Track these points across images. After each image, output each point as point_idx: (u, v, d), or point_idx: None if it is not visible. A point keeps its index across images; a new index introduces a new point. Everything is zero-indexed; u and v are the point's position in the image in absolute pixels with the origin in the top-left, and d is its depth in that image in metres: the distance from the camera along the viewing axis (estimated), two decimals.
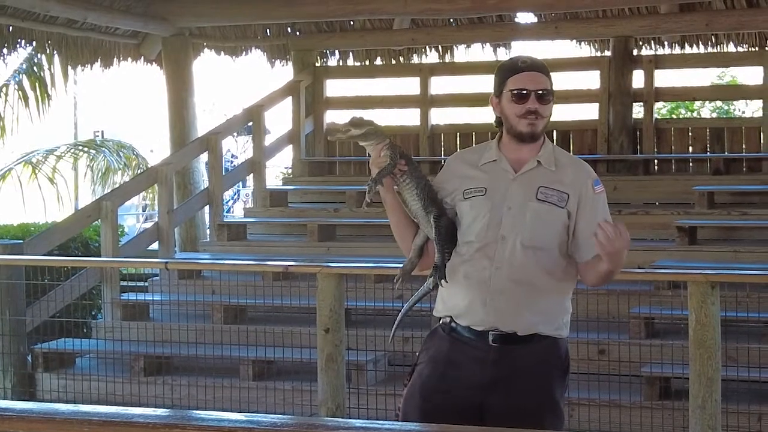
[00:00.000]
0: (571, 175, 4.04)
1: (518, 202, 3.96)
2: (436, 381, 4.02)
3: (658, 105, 12.64)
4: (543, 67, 4.06)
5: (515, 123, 3.99)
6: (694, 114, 20.67)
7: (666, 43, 12.02)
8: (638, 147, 11.64)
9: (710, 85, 15.82)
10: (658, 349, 7.81)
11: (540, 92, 4.00)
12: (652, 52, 11.99)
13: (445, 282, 3.96)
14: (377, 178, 3.93)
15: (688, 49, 12.03)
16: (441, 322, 4.10)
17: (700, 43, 11.93)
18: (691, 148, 11.79)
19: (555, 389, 4.05)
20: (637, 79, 11.62)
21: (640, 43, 11.98)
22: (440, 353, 4.05)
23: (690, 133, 11.90)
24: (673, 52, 12.08)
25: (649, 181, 11.11)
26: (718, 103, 19.95)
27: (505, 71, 4.05)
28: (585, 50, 12.30)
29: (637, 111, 11.96)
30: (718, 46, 11.92)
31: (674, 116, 19.62)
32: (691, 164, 11.66)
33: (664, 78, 11.97)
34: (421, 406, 4.01)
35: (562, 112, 12.43)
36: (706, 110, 20.99)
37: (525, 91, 3.98)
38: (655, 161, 11.62)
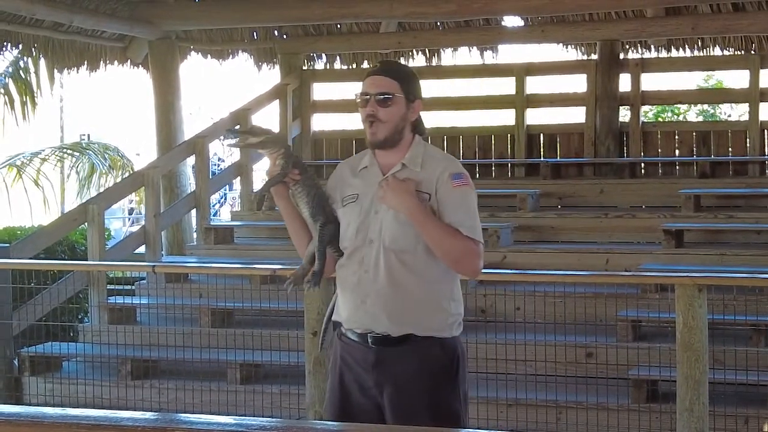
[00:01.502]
0: (430, 174, 4.05)
1: (384, 206, 4.01)
2: (338, 386, 4.13)
3: (644, 108, 12.66)
4: (394, 71, 4.11)
5: (365, 129, 4.07)
6: (680, 117, 20.74)
7: (652, 46, 12.04)
8: (625, 150, 11.67)
9: (696, 89, 15.86)
10: (646, 352, 7.82)
11: (380, 96, 4.02)
12: (638, 56, 12.02)
13: (317, 288, 4.14)
14: (264, 186, 4.14)
15: (674, 53, 12.06)
16: (337, 329, 4.21)
17: (686, 46, 11.96)
18: (677, 152, 11.82)
19: (441, 390, 4.04)
20: (624, 82, 11.64)
21: (627, 46, 12.00)
22: (336, 359, 4.17)
23: (676, 137, 11.93)
24: (660, 55, 12.10)
25: (635, 185, 11.13)
26: (704, 106, 20.02)
27: (364, 77, 4.15)
28: (572, 54, 12.31)
29: (624, 114, 11.99)
30: (705, 50, 11.95)
31: (660, 119, 19.68)
32: (677, 167, 11.69)
33: (651, 81, 12.00)
34: (334, 413, 4.11)
35: (548, 116, 12.47)
36: (692, 114, 21.07)
37: (366, 96, 4.05)
38: (642, 164, 11.65)
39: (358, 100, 4.07)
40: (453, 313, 4.08)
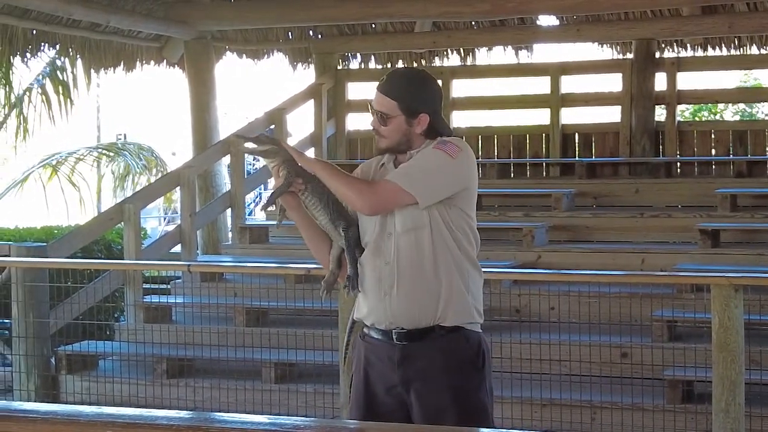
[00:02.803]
0: None
1: None
2: (363, 388, 4.14)
3: (680, 107, 12.58)
4: (395, 90, 4.09)
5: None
6: (717, 117, 20.61)
7: (688, 45, 11.98)
8: (660, 150, 11.61)
9: (733, 88, 15.74)
10: (681, 353, 7.78)
11: (378, 113, 4.10)
12: (674, 55, 11.95)
13: (358, 291, 4.12)
14: (270, 198, 4.21)
15: (710, 52, 11.98)
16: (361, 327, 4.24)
17: (722, 45, 11.88)
18: (713, 151, 11.74)
19: (468, 384, 4.05)
20: (660, 81, 11.58)
21: (663, 45, 11.94)
22: (360, 359, 4.18)
23: (713, 136, 11.85)
24: (696, 54, 12.04)
25: (671, 184, 11.07)
26: (742, 105, 19.89)
27: None
28: (607, 53, 12.26)
29: (660, 114, 11.93)
30: (741, 49, 11.87)
31: (697, 119, 19.56)
32: (713, 167, 11.61)
33: (687, 80, 11.93)
34: (359, 416, 4.11)
35: (583, 115, 12.43)
36: (729, 113, 20.93)
37: (370, 109, 4.14)
38: (678, 164, 11.57)
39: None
40: (473, 304, 4.09)
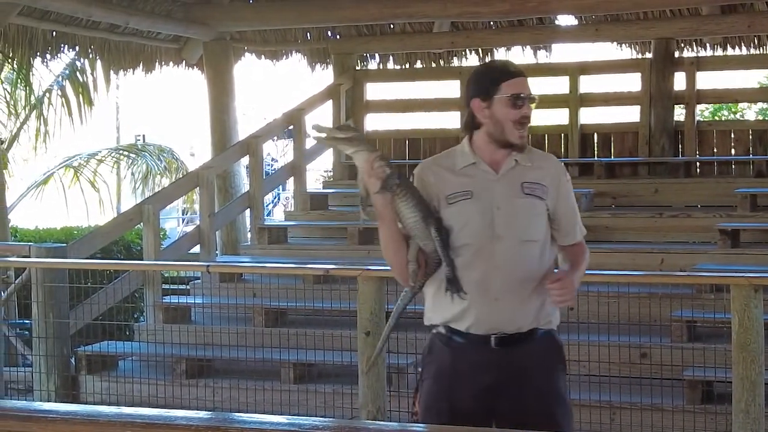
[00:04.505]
0: (546, 169, 4.11)
1: (506, 200, 3.99)
2: (447, 393, 4.01)
3: (700, 107, 12.54)
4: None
5: (508, 131, 4.00)
6: (738, 116, 20.53)
7: (708, 44, 11.94)
8: (680, 149, 11.57)
9: (753, 87, 15.68)
10: (701, 353, 7.75)
11: (532, 97, 4.07)
12: (693, 54, 11.92)
13: (466, 294, 3.93)
14: (386, 186, 3.82)
15: (730, 51, 11.95)
16: (435, 332, 4.09)
17: (742, 44, 11.85)
18: (733, 151, 11.70)
19: (560, 385, 4.06)
20: (679, 81, 11.54)
21: (682, 44, 11.91)
22: (443, 365, 4.04)
23: (732, 135, 11.80)
24: (715, 53, 12.00)
25: (690, 184, 11.04)
26: (764, 105, 19.81)
27: (498, 74, 4.06)
28: (626, 52, 12.24)
29: (679, 113, 11.89)
30: (761, 48, 11.83)
31: (716, 118, 19.49)
32: (733, 167, 11.57)
33: (706, 80, 11.89)
34: (440, 422, 3.97)
35: (602, 115, 12.40)
36: (751, 112, 20.86)
37: (522, 96, 4.01)
38: (697, 164, 11.53)
39: (510, 100, 3.99)
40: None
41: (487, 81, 4.04)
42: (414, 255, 3.98)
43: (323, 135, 3.90)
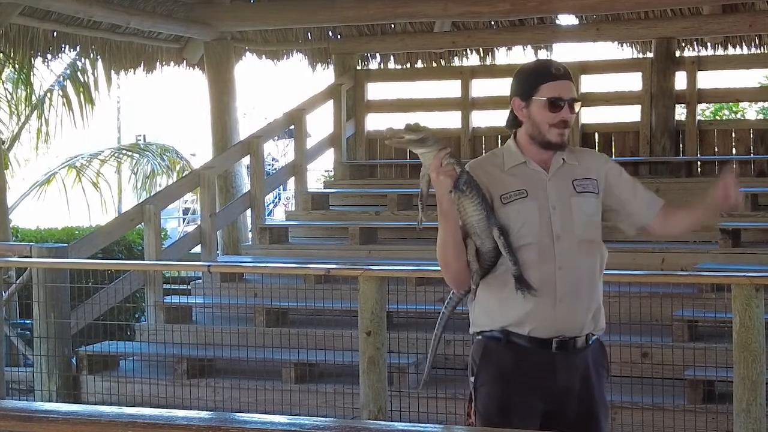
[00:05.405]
0: (592, 163, 4.10)
1: (560, 199, 3.94)
2: (507, 395, 3.93)
3: (701, 106, 12.53)
4: (571, 76, 4.08)
5: (545, 131, 3.95)
6: (739, 115, 20.53)
7: (709, 44, 11.93)
8: (681, 149, 11.57)
9: (754, 87, 15.66)
10: (702, 353, 7.75)
11: (573, 102, 3.99)
12: (694, 54, 11.92)
13: (535, 291, 3.84)
14: (457, 185, 3.73)
15: (731, 50, 11.94)
16: (486, 335, 3.98)
17: (743, 44, 11.84)
18: (734, 150, 11.70)
19: (605, 390, 4.09)
20: (680, 80, 11.54)
21: (683, 44, 11.90)
22: (503, 368, 3.95)
23: (733, 135, 11.80)
24: (716, 53, 12.00)
25: (691, 183, 11.02)
26: (765, 104, 19.80)
27: (537, 76, 3.98)
28: (627, 52, 12.24)
29: (680, 113, 11.88)
30: (762, 47, 11.82)
31: (717, 118, 19.49)
32: (734, 166, 11.56)
33: (707, 79, 11.89)
34: (499, 424, 3.89)
35: (603, 115, 12.40)
36: (752, 112, 20.85)
37: (562, 101, 3.94)
38: (698, 163, 11.54)
39: (548, 104, 3.93)
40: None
41: (528, 81, 3.99)
42: (474, 254, 3.88)
43: (402, 138, 3.77)
